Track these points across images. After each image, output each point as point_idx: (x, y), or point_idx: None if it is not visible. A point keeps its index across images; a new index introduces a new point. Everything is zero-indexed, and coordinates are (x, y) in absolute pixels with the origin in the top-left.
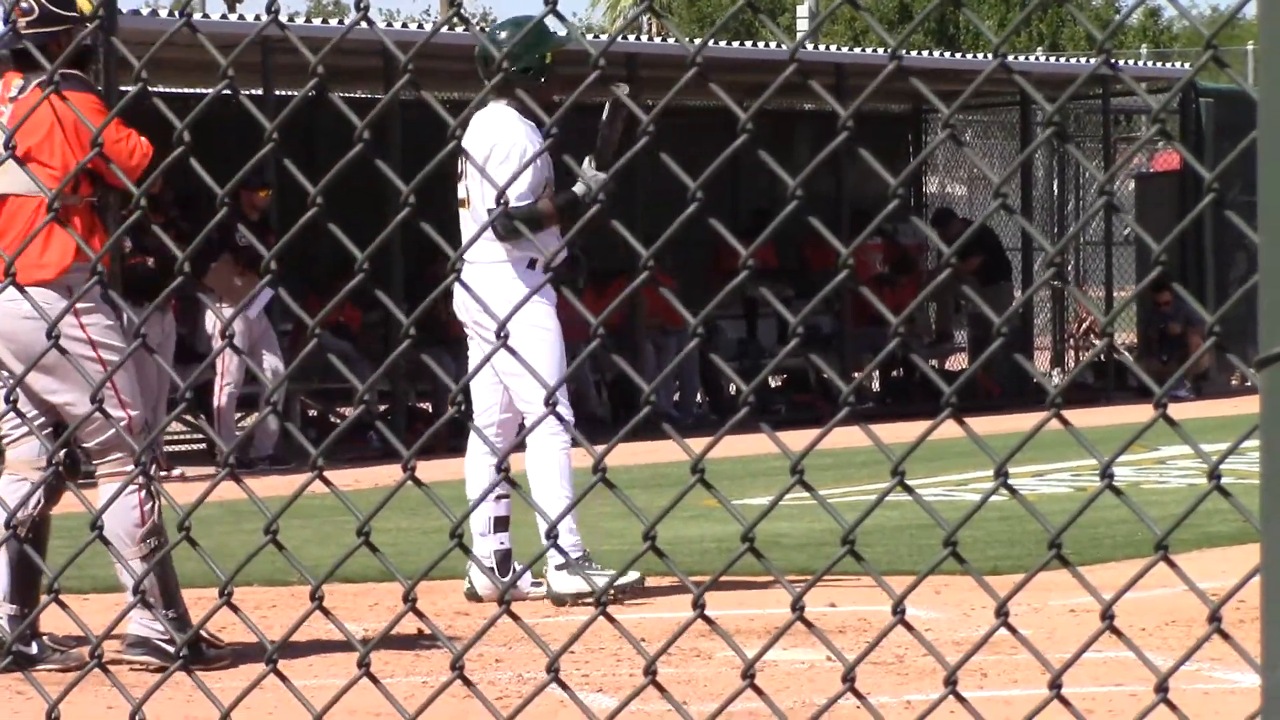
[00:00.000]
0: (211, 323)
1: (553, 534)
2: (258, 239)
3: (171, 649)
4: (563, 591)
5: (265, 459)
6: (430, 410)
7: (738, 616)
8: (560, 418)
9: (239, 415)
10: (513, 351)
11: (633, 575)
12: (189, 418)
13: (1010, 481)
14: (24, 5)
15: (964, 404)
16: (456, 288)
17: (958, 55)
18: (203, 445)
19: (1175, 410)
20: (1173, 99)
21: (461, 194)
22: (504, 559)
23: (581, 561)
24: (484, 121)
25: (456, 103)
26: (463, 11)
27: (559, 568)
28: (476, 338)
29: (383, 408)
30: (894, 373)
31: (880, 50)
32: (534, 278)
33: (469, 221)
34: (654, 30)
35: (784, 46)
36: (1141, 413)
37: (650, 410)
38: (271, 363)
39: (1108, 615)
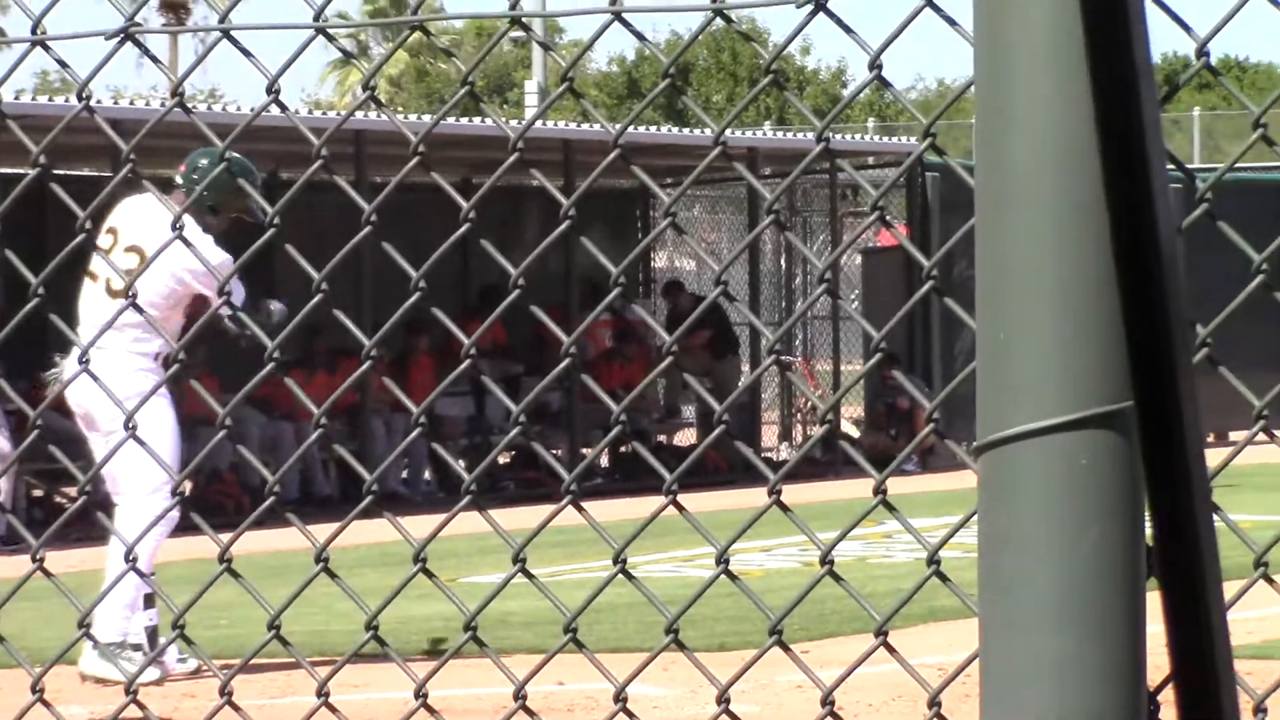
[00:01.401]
0: None
1: (85, 622)
2: None
3: None
4: (89, 672)
5: None
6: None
7: (465, 696)
8: (157, 512)
9: None
10: (141, 442)
11: (153, 674)
12: None
13: (739, 557)
14: None
15: (692, 480)
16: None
17: (686, 130)
18: None
19: (902, 484)
20: (890, 189)
21: (97, 270)
22: (152, 635)
23: (118, 648)
24: (158, 213)
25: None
26: (184, 101)
27: (94, 648)
28: (96, 426)
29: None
30: (622, 448)
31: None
32: (157, 371)
33: (98, 300)
34: (390, 117)
35: (513, 122)
36: (869, 486)
37: (373, 498)
38: None
39: (828, 701)
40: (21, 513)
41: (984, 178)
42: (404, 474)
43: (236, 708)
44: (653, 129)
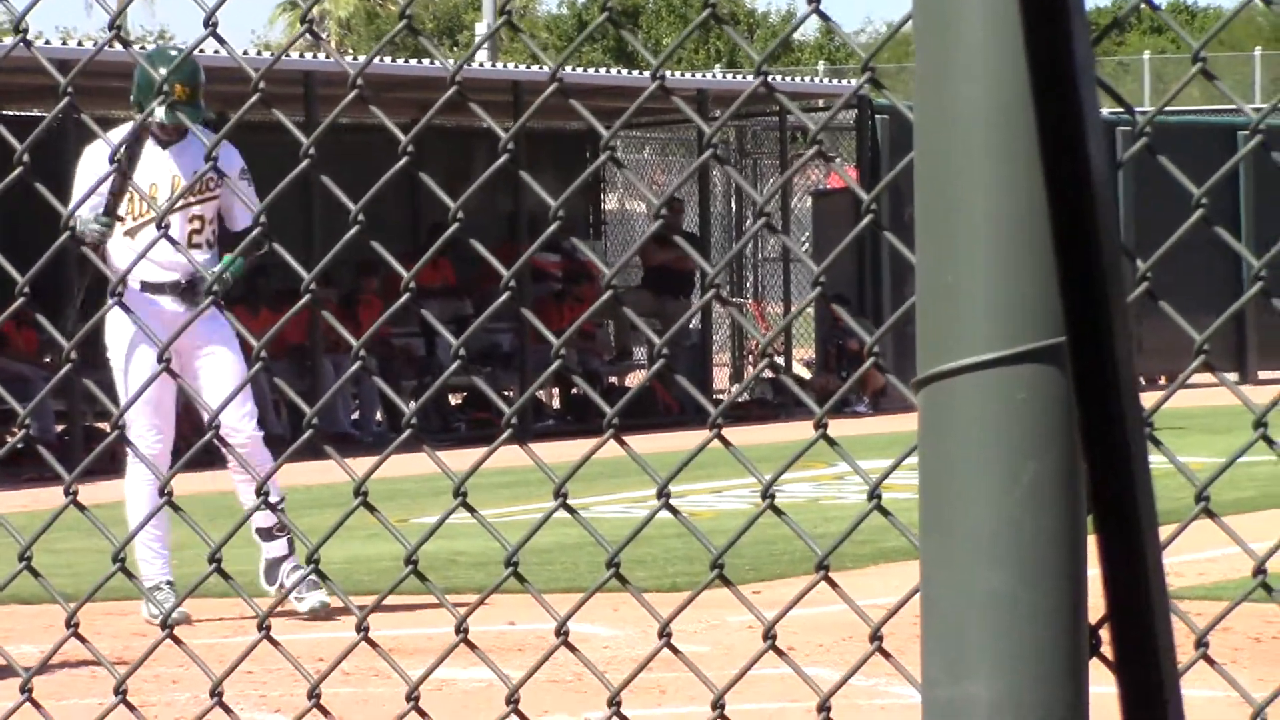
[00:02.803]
0: None
1: (119, 558)
2: None
3: None
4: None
5: None
6: (109, 431)
7: (416, 636)
8: (129, 443)
9: None
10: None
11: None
12: None
13: (689, 499)
14: None
15: (643, 420)
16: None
17: (634, 73)
18: None
19: (853, 426)
20: (831, 120)
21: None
22: (274, 565)
23: (155, 590)
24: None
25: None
26: (122, 34)
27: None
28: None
29: (60, 428)
30: (573, 390)
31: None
32: (130, 299)
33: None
34: (328, 52)
35: (450, 65)
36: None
37: (314, 432)
38: None
39: (769, 635)
40: None
41: (922, 114)
42: (354, 415)
43: (179, 640)
44: (601, 71)
